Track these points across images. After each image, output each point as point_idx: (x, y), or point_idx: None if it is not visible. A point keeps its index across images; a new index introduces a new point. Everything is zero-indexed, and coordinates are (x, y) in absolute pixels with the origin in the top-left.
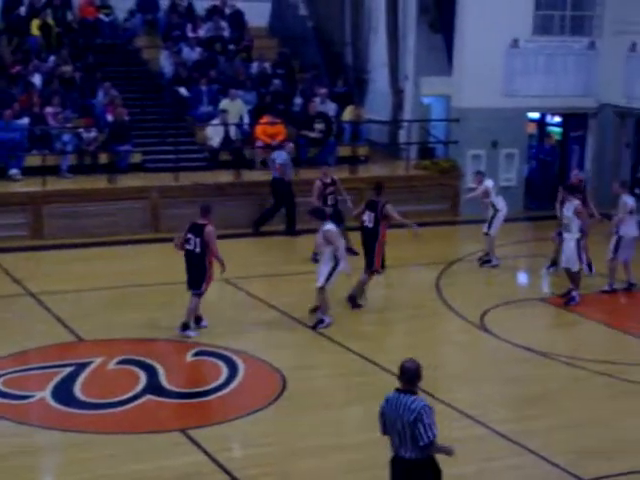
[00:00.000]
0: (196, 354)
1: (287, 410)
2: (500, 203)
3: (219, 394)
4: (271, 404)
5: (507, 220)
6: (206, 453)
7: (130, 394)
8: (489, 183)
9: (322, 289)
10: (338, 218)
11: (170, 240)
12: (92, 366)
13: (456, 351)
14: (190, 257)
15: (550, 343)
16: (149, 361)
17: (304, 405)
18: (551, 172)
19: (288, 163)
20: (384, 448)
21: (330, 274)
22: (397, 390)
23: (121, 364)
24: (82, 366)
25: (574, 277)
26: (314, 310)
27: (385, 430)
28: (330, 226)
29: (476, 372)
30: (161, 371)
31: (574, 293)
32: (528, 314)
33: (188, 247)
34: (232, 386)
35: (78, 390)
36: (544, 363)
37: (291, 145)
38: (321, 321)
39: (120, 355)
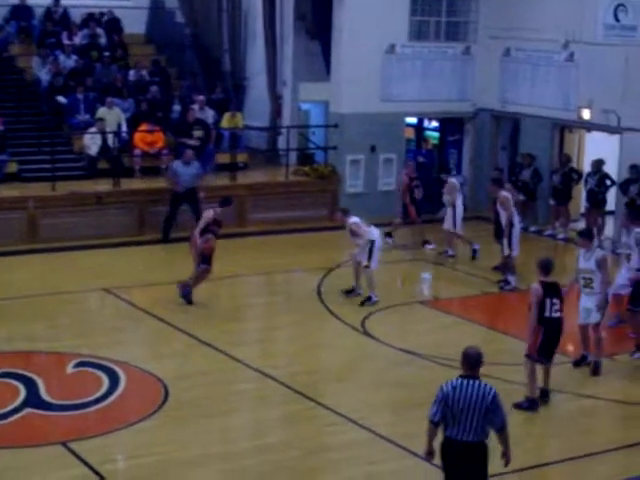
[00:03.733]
0: (77, 365)
1: (170, 420)
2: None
3: (100, 405)
4: (154, 414)
5: (387, 224)
6: (89, 466)
7: (10, 408)
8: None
9: (367, 268)
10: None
11: (48, 250)
12: None
13: (339, 356)
14: None
15: (431, 346)
16: (28, 374)
17: (187, 414)
18: (429, 176)
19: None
20: (269, 455)
21: (370, 251)
22: (461, 377)
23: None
24: None
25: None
26: (349, 292)
27: (443, 417)
28: (354, 219)
29: (359, 376)
30: (41, 384)
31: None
32: (409, 318)
33: None
34: (114, 397)
35: None
36: (426, 366)
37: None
38: (369, 298)
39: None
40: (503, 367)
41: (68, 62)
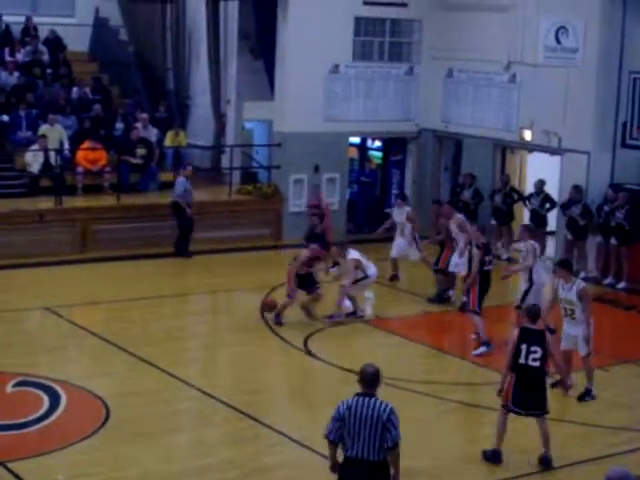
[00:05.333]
0: (16, 384)
1: (111, 439)
2: (372, 271)
3: (41, 425)
4: (94, 433)
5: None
6: None
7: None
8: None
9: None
10: None
11: None
12: None
13: (282, 375)
14: None
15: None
16: None
17: (128, 433)
18: (372, 196)
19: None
20: (211, 474)
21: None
22: (358, 395)
23: None
24: None
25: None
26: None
27: (340, 436)
28: (354, 255)
29: (301, 395)
30: None
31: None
32: (352, 337)
33: None
34: (54, 416)
35: None
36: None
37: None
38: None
39: None
40: (444, 386)
41: (10, 79)
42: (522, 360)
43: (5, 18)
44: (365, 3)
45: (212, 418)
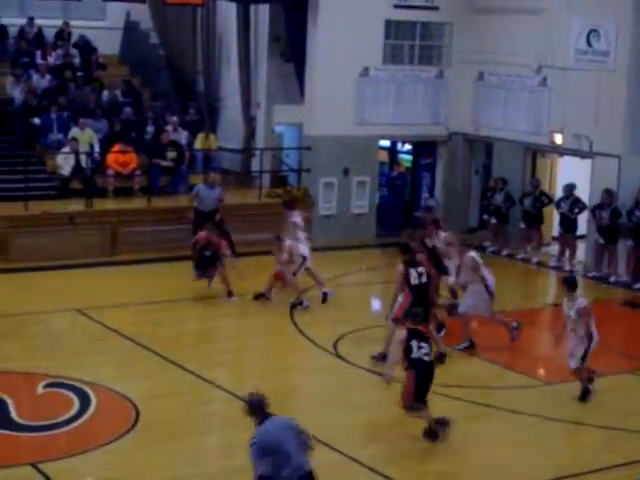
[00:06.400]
0: (47, 386)
1: (140, 441)
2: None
3: (71, 426)
4: (124, 435)
5: (360, 247)
6: None
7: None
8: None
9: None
10: None
11: (20, 270)
12: None
13: (311, 377)
14: None
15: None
16: None
17: (157, 435)
18: (401, 199)
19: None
20: (238, 476)
21: None
22: (261, 422)
23: None
24: None
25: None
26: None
27: (272, 467)
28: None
29: (330, 398)
30: (11, 404)
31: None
32: (381, 340)
33: None
34: (84, 418)
35: None
36: (398, 388)
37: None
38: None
39: None
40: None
41: (42, 82)
42: (414, 355)
43: (37, 21)
44: (396, 6)
45: (241, 420)
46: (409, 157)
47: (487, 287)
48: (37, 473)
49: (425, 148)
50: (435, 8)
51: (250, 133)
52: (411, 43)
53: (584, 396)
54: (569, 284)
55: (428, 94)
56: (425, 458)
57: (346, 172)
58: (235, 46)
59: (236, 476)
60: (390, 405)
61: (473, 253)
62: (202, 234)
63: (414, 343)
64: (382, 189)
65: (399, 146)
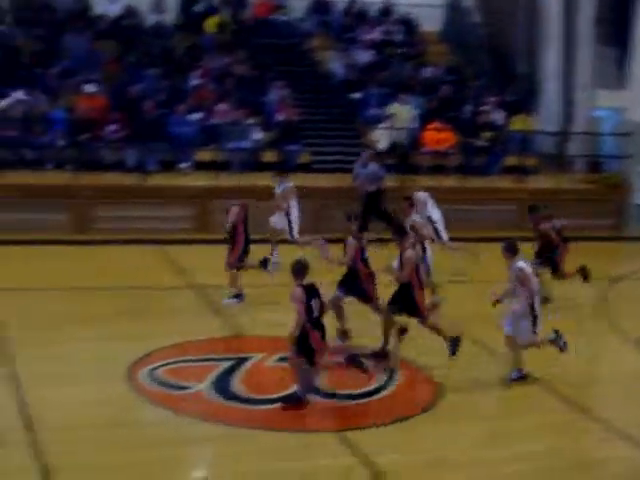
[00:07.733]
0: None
1: (441, 419)
2: None
3: (374, 398)
4: (424, 412)
5: None
6: (361, 456)
7: (287, 392)
8: None
9: None
10: None
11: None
12: (251, 362)
13: (615, 369)
14: None
15: None
16: None
17: (460, 415)
18: None
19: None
20: (535, 461)
21: None
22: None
23: (281, 361)
24: (241, 361)
25: None
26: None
27: None
28: None
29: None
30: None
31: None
32: None
33: None
34: (388, 391)
35: (236, 385)
36: None
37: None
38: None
39: (280, 352)
40: None
41: (363, 57)
42: (316, 313)
43: None
44: None
45: (543, 404)
46: None
47: None
48: (338, 441)
49: None
50: None
51: (568, 116)
52: None
53: None
54: (505, 248)
55: None
56: None
57: None
58: (557, 26)
59: (534, 461)
60: None
61: None
62: None
63: (313, 303)
64: None
65: None
